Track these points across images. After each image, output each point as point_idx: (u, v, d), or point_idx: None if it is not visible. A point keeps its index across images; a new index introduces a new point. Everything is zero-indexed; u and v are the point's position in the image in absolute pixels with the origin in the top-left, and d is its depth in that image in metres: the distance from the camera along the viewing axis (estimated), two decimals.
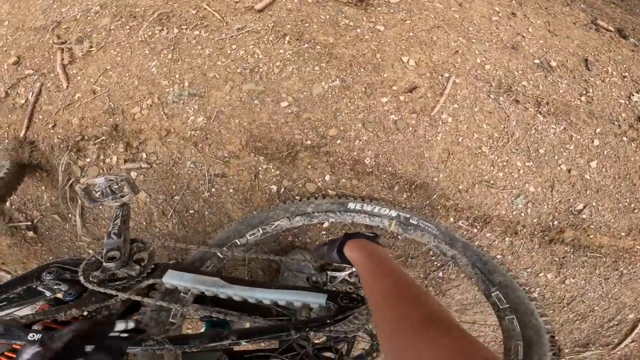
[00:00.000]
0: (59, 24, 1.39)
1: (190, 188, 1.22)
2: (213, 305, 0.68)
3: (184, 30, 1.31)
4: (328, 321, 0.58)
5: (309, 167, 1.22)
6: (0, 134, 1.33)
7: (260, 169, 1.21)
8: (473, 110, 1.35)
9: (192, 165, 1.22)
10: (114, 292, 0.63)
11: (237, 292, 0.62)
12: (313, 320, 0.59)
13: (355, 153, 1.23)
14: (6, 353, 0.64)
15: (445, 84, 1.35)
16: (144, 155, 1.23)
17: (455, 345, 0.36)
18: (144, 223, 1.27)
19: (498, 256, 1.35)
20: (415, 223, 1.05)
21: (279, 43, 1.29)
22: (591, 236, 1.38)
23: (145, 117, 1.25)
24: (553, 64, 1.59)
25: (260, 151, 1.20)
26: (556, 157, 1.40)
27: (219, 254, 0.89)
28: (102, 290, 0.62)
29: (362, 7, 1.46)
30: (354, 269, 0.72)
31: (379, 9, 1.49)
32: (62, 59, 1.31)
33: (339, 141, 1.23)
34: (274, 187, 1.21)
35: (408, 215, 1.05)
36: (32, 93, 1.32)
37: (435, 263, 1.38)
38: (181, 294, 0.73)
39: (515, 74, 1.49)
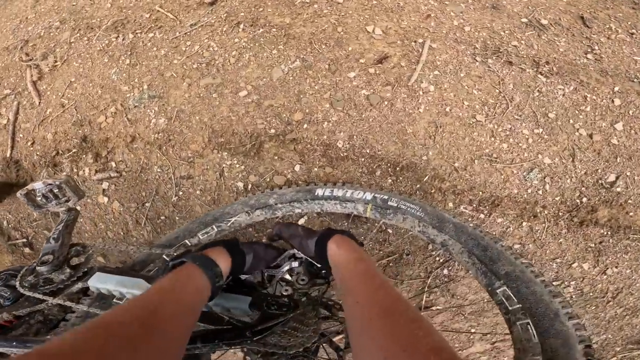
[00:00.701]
0: (27, 42, 1.34)
1: (159, 193, 1.11)
2: None
3: (139, 35, 1.20)
4: (247, 333, 0.45)
5: (276, 158, 1.06)
6: None
7: (224, 165, 1.07)
8: (458, 75, 1.13)
9: (158, 170, 1.10)
10: (41, 297, 0.58)
11: None
12: (223, 331, 0.47)
13: (325, 137, 1.06)
14: None
15: (421, 51, 1.14)
16: (113, 164, 1.14)
17: None
18: (122, 233, 1.18)
19: (516, 245, 1.05)
20: (395, 205, 0.81)
21: (233, 32, 1.15)
22: (631, 214, 1.05)
23: (110, 125, 1.15)
24: (544, 22, 1.33)
25: (223, 147, 1.07)
26: (571, 121, 1.10)
27: (164, 257, 0.76)
28: (31, 294, 0.58)
29: None
30: (294, 265, 0.58)
31: None
32: (32, 76, 1.25)
33: (305, 125, 1.06)
34: (241, 184, 1.06)
35: (386, 197, 0.82)
36: (12, 112, 1.28)
37: (438, 259, 1.10)
38: (114, 300, 0.62)
39: (501, 34, 1.25)
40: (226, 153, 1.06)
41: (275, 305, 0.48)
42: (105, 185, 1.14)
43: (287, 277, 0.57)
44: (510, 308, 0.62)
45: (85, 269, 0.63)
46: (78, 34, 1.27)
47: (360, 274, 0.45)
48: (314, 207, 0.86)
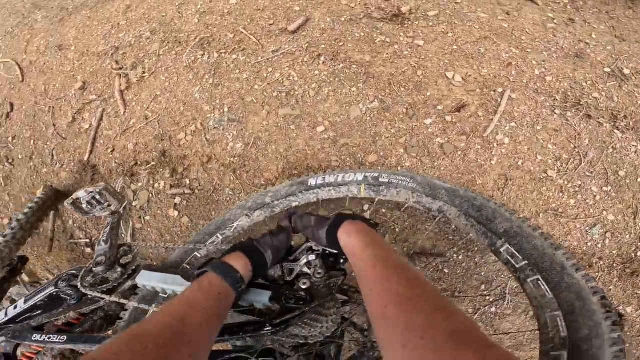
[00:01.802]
0: (117, 50, 1.40)
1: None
2: None
3: (223, 55, 1.24)
4: (267, 326, 0.48)
5: None
6: (68, 158, 1.38)
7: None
8: (535, 128, 1.10)
9: (230, 193, 1.14)
10: (100, 295, 0.62)
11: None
12: (247, 324, 0.50)
13: None
14: (26, 353, 0.69)
15: (499, 100, 1.11)
16: (188, 182, 1.18)
17: None
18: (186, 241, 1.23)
19: None
20: (387, 180, 0.80)
21: (314, 64, 1.17)
22: None
23: (189, 143, 1.20)
24: (626, 72, 1.27)
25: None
26: (639, 180, 1.09)
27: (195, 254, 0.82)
28: (90, 293, 0.63)
29: (398, 22, 1.28)
30: (311, 258, 0.58)
31: (417, 23, 1.29)
32: (120, 85, 1.31)
33: (379, 168, 1.07)
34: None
35: (376, 174, 0.82)
36: (95, 118, 1.35)
37: (488, 298, 1.13)
38: (159, 295, 0.65)
39: (583, 85, 1.20)
40: None
41: (293, 299, 0.50)
42: (177, 200, 1.19)
43: (306, 270, 0.57)
44: (517, 266, 0.60)
45: (134, 267, 0.69)
46: (167, 47, 1.32)
47: (372, 259, 0.43)
48: (309, 197, 0.86)
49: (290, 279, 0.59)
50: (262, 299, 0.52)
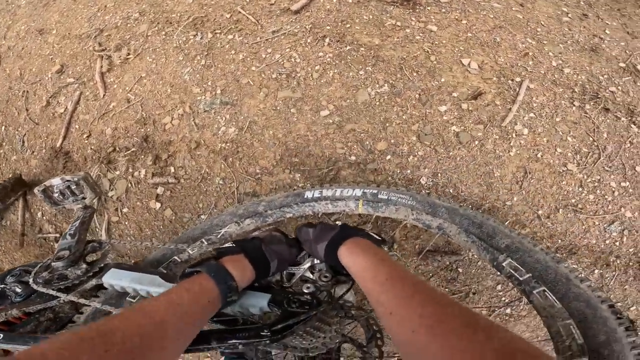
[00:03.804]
0: (101, 32, 1.27)
1: (217, 207, 1.00)
2: None
3: (218, 35, 1.13)
4: (265, 332, 0.41)
5: None
6: (39, 144, 1.22)
7: (295, 188, 0.95)
8: (554, 120, 1.01)
9: (221, 182, 1.00)
10: (54, 293, 0.55)
11: None
12: (241, 330, 0.43)
13: (408, 171, 0.94)
14: None
15: (517, 90, 1.02)
16: (172, 170, 1.04)
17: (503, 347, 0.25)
18: (168, 241, 1.07)
19: None
20: (386, 197, 0.78)
21: (318, 45, 1.06)
22: None
23: (175, 127, 1.06)
24: None
25: (296, 167, 0.96)
26: None
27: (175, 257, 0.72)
28: (44, 290, 0.55)
29: (409, 6, 1.20)
30: (316, 262, 0.52)
31: (429, 8, 1.21)
32: (101, 67, 1.18)
33: (388, 157, 0.95)
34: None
35: (375, 191, 0.79)
36: (71, 102, 1.20)
37: (503, 299, 1.04)
38: (128, 298, 0.57)
39: (600, 78, 1.13)
40: (299, 175, 0.95)
41: (297, 303, 0.43)
42: (160, 190, 1.04)
43: (309, 274, 0.53)
44: (521, 279, 0.60)
45: (102, 265, 0.61)
46: (156, 28, 1.20)
47: (385, 280, 0.38)
48: (305, 210, 0.82)
49: (288, 285, 0.52)
50: (259, 302, 0.45)
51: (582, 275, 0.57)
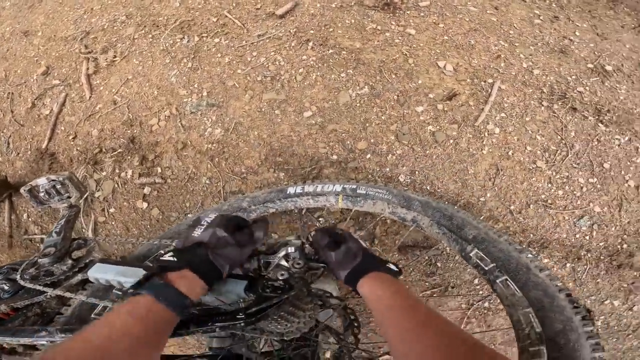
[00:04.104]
0: (88, 34, 1.28)
1: (204, 206, 1.03)
2: None
3: (205, 38, 1.15)
4: (240, 315, 0.43)
5: None
6: (24, 146, 1.22)
7: (279, 186, 0.99)
8: (524, 119, 1.07)
9: (207, 182, 1.02)
10: (40, 288, 0.57)
11: None
12: (218, 314, 0.45)
13: (388, 169, 0.99)
14: None
15: (490, 91, 1.08)
16: (159, 170, 1.06)
17: None
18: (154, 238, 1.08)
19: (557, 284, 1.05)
20: (364, 192, 0.82)
21: (301, 49, 1.10)
22: None
23: (162, 129, 1.08)
24: (608, 68, 1.29)
25: (280, 166, 0.99)
26: (623, 172, 1.10)
27: (160, 252, 0.74)
28: (31, 286, 0.57)
29: (389, 10, 1.24)
30: (290, 250, 0.56)
31: (408, 12, 1.26)
32: (87, 69, 1.19)
33: (369, 155, 0.99)
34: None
35: (354, 186, 0.83)
36: (57, 103, 1.21)
37: (480, 292, 1.09)
38: (114, 290, 0.58)
39: (568, 79, 1.20)
40: (283, 174, 0.99)
41: (270, 288, 0.46)
42: (147, 190, 1.06)
43: (283, 262, 0.56)
44: (486, 268, 0.63)
45: (87, 261, 0.63)
46: (143, 31, 1.21)
47: (400, 308, 0.41)
48: (287, 205, 0.85)
49: (265, 273, 0.55)
50: (236, 288, 0.47)
51: (541, 264, 0.59)
